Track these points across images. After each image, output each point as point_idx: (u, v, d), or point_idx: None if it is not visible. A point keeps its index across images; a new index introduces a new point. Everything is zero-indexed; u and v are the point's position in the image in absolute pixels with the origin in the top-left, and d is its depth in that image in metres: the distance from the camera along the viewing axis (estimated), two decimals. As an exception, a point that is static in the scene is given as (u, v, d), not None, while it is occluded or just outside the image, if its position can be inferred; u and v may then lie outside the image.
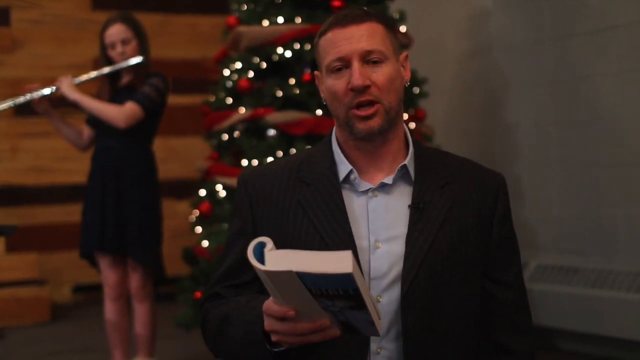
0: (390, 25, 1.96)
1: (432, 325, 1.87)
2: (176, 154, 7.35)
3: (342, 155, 1.96)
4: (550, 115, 5.04)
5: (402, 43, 4.47)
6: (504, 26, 5.34)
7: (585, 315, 4.60)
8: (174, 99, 7.24)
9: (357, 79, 1.85)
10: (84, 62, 6.72)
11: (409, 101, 4.72)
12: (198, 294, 4.41)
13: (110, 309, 4.36)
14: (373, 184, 1.93)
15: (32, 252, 6.56)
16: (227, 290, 1.97)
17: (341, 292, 1.57)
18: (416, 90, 4.79)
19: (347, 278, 1.53)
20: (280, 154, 4.34)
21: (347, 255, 1.53)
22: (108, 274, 4.32)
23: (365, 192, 1.93)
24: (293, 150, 4.31)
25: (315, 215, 1.92)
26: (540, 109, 5.11)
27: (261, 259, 1.60)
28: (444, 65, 5.76)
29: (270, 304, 1.68)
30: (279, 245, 1.86)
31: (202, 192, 4.69)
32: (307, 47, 4.37)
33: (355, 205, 1.93)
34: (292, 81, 4.40)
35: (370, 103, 1.88)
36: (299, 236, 1.92)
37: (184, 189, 6.78)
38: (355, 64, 1.86)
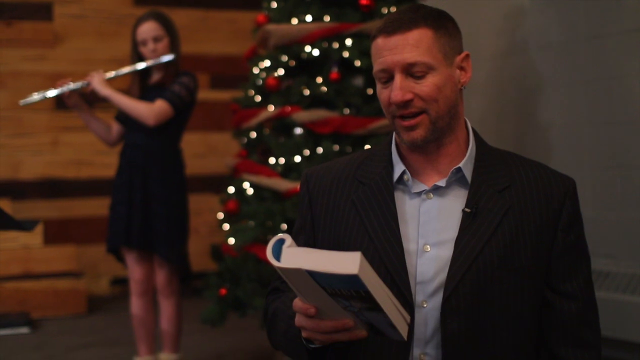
0: (445, 26, 1.88)
1: (476, 333, 1.83)
2: (215, 150, 7.39)
3: (397, 156, 1.94)
4: (584, 116, 4.96)
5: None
6: (539, 25, 5.26)
7: (616, 321, 4.52)
8: (213, 95, 7.34)
9: (397, 95, 1.82)
10: (124, 57, 6.72)
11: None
12: (223, 291, 4.44)
13: (136, 304, 4.41)
14: (427, 186, 1.90)
15: (71, 245, 6.63)
16: (285, 284, 1.97)
17: (353, 293, 1.58)
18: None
19: (354, 279, 1.53)
20: (307, 152, 4.33)
21: (355, 256, 1.52)
22: (134, 270, 4.36)
23: (419, 194, 1.90)
24: (320, 150, 4.31)
25: (367, 215, 1.91)
26: (574, 109, 5.03)
27: (279, 255, 1.62)
28: (479, 64, 5.69)
29: (296, 301, 1.70)
30: (332, 244, 1.94)
31: (231, 190, 4.70)
32: (335, 45, 4.35)
33: (407, 207, 1.91)
34: (320, 80, 4.39)
35: (414, 114, 1.85)
36: (350, 235, 1.92)
37: (223, 184, 6.81)
38: (397, 78, 1.83)
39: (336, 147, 4.27)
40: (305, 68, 4.52)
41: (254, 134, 4.65)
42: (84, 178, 6.96)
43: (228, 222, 4.67)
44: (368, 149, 2.09)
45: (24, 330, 5.88)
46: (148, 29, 4.29)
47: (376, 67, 1.87)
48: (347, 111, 4.37)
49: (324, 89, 4.36)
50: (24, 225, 3.71)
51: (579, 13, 4.95)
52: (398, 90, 1.82)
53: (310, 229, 2.01)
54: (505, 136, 5.56)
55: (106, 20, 7.12)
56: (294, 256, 1.60)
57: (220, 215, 4.75)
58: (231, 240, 4.46)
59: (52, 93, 4.24)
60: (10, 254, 6.37)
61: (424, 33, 1.84)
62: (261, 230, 4.33)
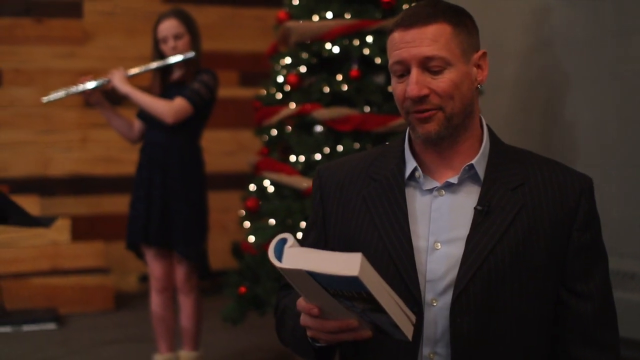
0: (463, 22, 1.85)
1: (486, 333, 1.80)
2: (245, 147, 7.38)
3: (409, 153, 1.92)
4: (611, 113, 4.88)
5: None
6: (565, 21, 5.19)
7: (642, 322, 4.46)
8: (242, 92, 7.34)
9: (413, 89, 1.80)
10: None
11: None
12: (243, 289, 4.43)
13: (156, 301, 4.42)
14: (439, 183, 1.88)
15: (99, 241, 6.67)
16: None
17: (355, 294, 1.56)
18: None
19: (354, 281, 1.51)
20: (327, 150, 4.31)
21: (356, 257, 1.51)
22: (153, 266, 4.38)
23: (430, 190, 1.88)
24: (340, 148, 4.28)
25: (377, 212, 1.89)
26: (601, 106, 4.95)
27: (281, 255, 1.61)
28: (506, 60, 5.64)
29: (300, 300, 1.70)
30: (342, 241, 1.93)
31: (252, 187, 4.69)
32: (356, 42, 4.31)
33: (418, 203, 1.88)
34: (340, 77, 4.36)
35: (428, 110, 1.82)
36: (360, 232, 1.90)
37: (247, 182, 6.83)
38: (414, 72, 1.80)
39: (357, 145, 4.24)
40: (326, 65, 4.50)
41: (274, 132, 4.63)
42: (113, 175, 6.99)
43: (249, 220, 4.66)
44: (382, 146, 2.07)
45: (51, 326, 5.93)
46: (169, 27, 4.30)
47: (392, 60, 1.84)
48: (367, 109, 4.34)
49: (345, 86, 4.33)
50: (42, 222, 3.76)
51: (605, 9, 4.88)
52: (414, 84, 1.80)
53: (322, 225, 2.00)
54: (532, 133, 5.50)
55: (135, 18, 7.14)
56: (296, 257, 1.59)
57: (242, 213, 4.74)
58: (251, 238, 4.45)
59: (74, 90, 4.27)
60: (39, 250, 6.42)
61: (443, 28, 1.81)
62: (281, 228, 4.32)
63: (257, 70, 7.36)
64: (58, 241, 6.51)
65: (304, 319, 1.71)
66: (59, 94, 4.26)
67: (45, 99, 4.31)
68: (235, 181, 7.16)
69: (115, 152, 6.99)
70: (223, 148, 7.43)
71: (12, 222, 3.47)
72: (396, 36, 1.84)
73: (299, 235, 3.97)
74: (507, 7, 5.67)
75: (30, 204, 6.47)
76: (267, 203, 4.52)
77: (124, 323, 6.07)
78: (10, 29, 6.86)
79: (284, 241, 1.62)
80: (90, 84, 4.27)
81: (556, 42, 5.27)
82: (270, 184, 4.55)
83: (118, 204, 7.01)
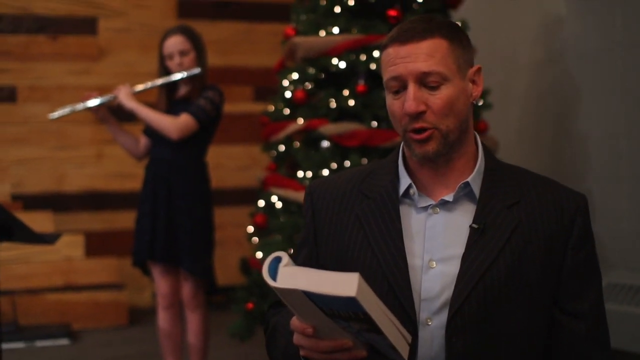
0: (458, 37, 1.83)
1: (482, 353, 1.77)
2: (258, 162, 7.37)
3: (404, 170, 1.89)
4: (623, 126, 4.84)
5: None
6: (577, 33, 5.16)
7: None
8: (257, 107, 7.34)
9: (410, 106, 1.77)
10: (167, 70, 6.84)
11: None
12: (250, 305, 4.42)
13: (162, 318, 4.41)
14: (434, 201, 1.85)
15: (112, 257, 6.68)
16: None
17: (352, 314, 1.54)
18: (480, 102, 4.67)
19: (351, 302, 1.49)
20: (334, 166, 4.29)
21: (353, 277, 1.48)
22: (160, 283, 4.37)
23: (425, 208, 1.86)
24: (347, 163, 4.26)
25: (371, 230, 1.86)
26: (612, 119, 4.91)
27: (276, 274, 1.58)
28: (517, 73, 5.61)
29: (294, 320, 1.67)
30: (334, 258, 1.91)
31: (261, 203, 4.69)
32: (362, 57, 4.31)
33: (413, 221, 1.86)
34: (346, 92, 4.35)
35: (425, 129, 1.80)
36: (353, 250, 1.87)
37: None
38: (411, 87, 1.78)
39: (364, 161, 4.23)
40: (333, 80, 4.49)
41: (282, 147, 4.63)
42: (127, 190, 6.99)
43: (257, 236, 4.66)
44: (374, 162, 2.05)
45: (64, 341, 5.94)
46: (174, 43, 4.31)
47: (387, 76, 1.82)
48: (374, 124, 4.32)
49: (352, 101, 4.32)
50: (46, 239, 3.77)
51: (617, 21, 4.85)
52: (412, 100, 1.77)
53: (313, 242, 1.97)
54: (543, 146, 5.46)
55: (150, 34, 7.16)
56: (291, 276, 1.56)
57: (250, 229, 4.73)
58: (259, 254, 4.45)
59: (80, 107, 4.29)
60: (52, 266, 6.44)
61: (439, 43, 1.79)
62: (288, 244, 4.31)
63: (272, 85, 7.36)
64: (72, 257, 6.52)
65: (297, 338, 1.69)
66: (65, 110, 4.28)
67: (51, 116, 4.34)
68: (249, 196, 7.14)
69: (129, 168, 6.99)
70: (237, 163, 7.43)
71: (16, 239, 3.50)
72: (391, 52, 1.81)
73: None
74: (519, 20, 5.64)
75: (44, 219, 6.51)
76: (275, 219, 4.51)
77: (137, 339, 6.07)
78: (26, 46, 6.92)
79: (278, 260, 1.60)
80: (96, 101, 4.28)
81: (567, 55, 5.24)
82: (278, 200, 4.54)
83: (132, 220, 6.97)
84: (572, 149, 5.22)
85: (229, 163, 7.40)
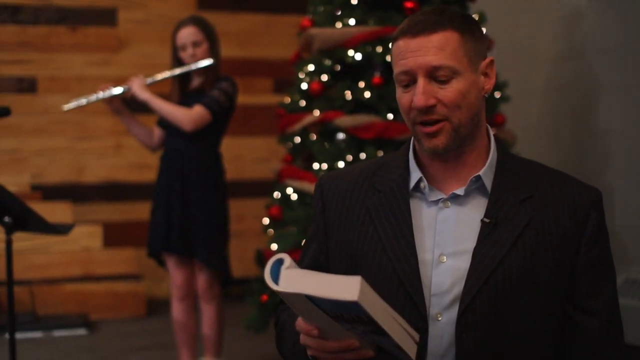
0: (470, 29, 1.80)
1: (493, 349, 1.75)
2: (278, 154, 7.37)
3: (415, 164, 1.87)
4: (643, 122, 4.79)
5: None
6: (598, 28, 5.10)
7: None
8: (277, 99, 7.31)
9: (420, 100, 1.74)
10: (186, 61, 6.84)
11: (489, 106, 4.56)
12: (265, 297, 4.41)
13: (177, 309, 4.41)
14: (445, 194, 1.83)
15: (131, 247, 6.70)
16: None
17: (355, 317, 1.52)
18: (497, 94, 4.63)
19: (354, 305, 1.47)
20: (349, 158, 4.27)
21: (355, 281, 1.47)
22: (175, 274, 4.37)
23: (436, 202, 1.83)
24: (363, 155, 4.24)
25: (381, 224, 1.84)
26: (633, 114, 4.86)
27: (278, 277, 1.57)
28: (537, 67, 5.56)
29: (299, 321, 1.66)
30: (344, 252, 1.89)
31: (277, 195, 4.67)
32: (379, 49, 4.27)
33: (424, 215, 1.84)
34: (362, 84, 4.32)
35: (435, 122, 1.77)
36: (363, 244, 1.85)
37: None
38: (420, 81, 1.75)
39: (379, 153, 4.20)
40: (349, 72, 4.46)
41: (298, 139, 4.61)
42: (146, 181, 6.98)
43: (273, 228, 4.64)
44: (385, 155, 2.03)
45: (82, 331, 5.97)
46: (187, 34, 4.30)
47: (397, 70, 1.79)
48: (390, 116, 4.29)
49: (367, 93, 4.29)
50: (59, 229, 3.77)
51: (637, 15, 4.79)
52: (421, 95, 1.74)
53: (323, 236, 1.95)
54: (563, 141, 5.41)
55: (170, 25, 7.04)
56: (293, 279, 1.54)
57: (266, 221, 4.72)
58: (274, 246, 4.43)
59: (94, 98, 4.29)
60: (71, 256, 6.47)
61: (450, 36, 1.76)
62: (303, 236, 4.29)
63: (292, 77, 7.35)
64: (90, 247, 6.55)
65: (303, 339, 1.68)
66: (80, 101, 4.29)
67: (66, 107, 4.34)
68: (268, 188, 7.14)
69: (148, 158, 6.97)
70: (256, 155, 7.43)
71: (31, 229, 3.52)
72: (401, 44, 1.78)
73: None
74: (539, 14, 5.59)
75: (63, 210, 6.54)
76: (290, 211, 4.49)
77: (155, 330, 6.08)
78: (46, 37, 6.94)
79: (280, 262, 1.58)
80: (110, 92, 4.28)
81: (588, 49, 5.19)
82: (294, 192, 4.53)
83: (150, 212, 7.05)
84: (592, 144, 5.16)
85: (248, 155, 7.40)
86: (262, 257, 4.67)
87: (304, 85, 4.59)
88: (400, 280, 1.78)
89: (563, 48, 5.40)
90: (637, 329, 4.47)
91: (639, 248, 4.84)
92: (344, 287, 1.47)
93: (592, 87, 5.14)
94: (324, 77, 4.50)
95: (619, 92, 4.96)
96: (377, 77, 4.27)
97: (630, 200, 4.89)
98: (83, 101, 4.28)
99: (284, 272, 1.56)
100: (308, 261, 1.96)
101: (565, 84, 5.39)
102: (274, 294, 4.31)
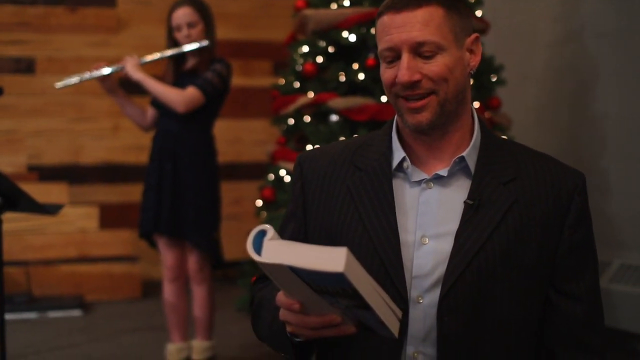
0: (455, 5, 1.76)
1: (474, 333, 1.72)
2: (277, 136, 7.35)
3: (398, 143, 1.83)
4: (640, 107, 4.75)
5: (477, 27, 4.28)
6: (596, 12, 5.06)
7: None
8: (276, 82, 7.29)
9: (404, 75, 1.71)
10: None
11: (485, 89, 4.53)
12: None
13: (168, 290, 4.40)
14: (428, 175, 1.80)
15: (127, 229, 6.68)
16: None
17: (339, 290, 1.48)
18: (493, 77, 4.60)
19: (339, 277, 1.43)
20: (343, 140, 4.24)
21: (341, 252, 1.42)
22: (165, 255, 4.36)
23: (419, 182, 1.80)
24: (356, 137, 4.21)
25: (362, 203, 1.81)
26: (630, 99, 4.82)
27: (260, 248, 1.52)
28: (535, 51, 5.52)
29: (280, 295, 1.61)
30: (323, 232, 1.85)
31: (271, 177, 4.65)
32: (373, 31, 4.25)
33: (406, 196, 1.80)
34: (356, 66, 4.29)
35: (422, 96, 1.74)
36: (343, 224, 1.82)
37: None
38: (405, 57, 1.72)
39: (374, 136, 4.17)
40: (343, 54, 4.43)
41: (292, 121, 4.58)
42: (143, 163, 6.91)
43: (266, 210, 4.63)
44: (367, 134, 1.98)
45: (77, 312, 5.96)
46: (182, 15, 4.27)
47: (382, 46, 1.76)
48: (384, 99, 4.26)
49: (361, 75, 4.27)
50: (48, 209, 3.76)
51: (636, 0, 4.74)
52: (405, 70, 1.71)
53: (302, 215, 1.91)
54: (560, 125, 5.38)
55: (169, 7, 7.12)
56: (276, 250, 1.50)
57: (259, 203, 4.70)
58: (267, 228, 4.40)
59: (87, 76, 4.27)
60: (67, 237, 6.46)
61: (435, 11, 1.73)
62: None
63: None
64: (86, 229, 6.54)
65: (283, 314, 1.63)
66: (73, 79, 4.26)
67: (58, 85, 4.32)
68: (266, 170, 7.14)
69: (145, 140, 6.90)
70: (255, 137, 7.40)
71: (20, 209, 3.51)
72: (386, 20, 1.75)
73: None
74: (537, -3, 5.55)
75: (59, 191, 6.53)
76: (283, 193, 4.47)
77: (150, 311, 6.07)
78: (44, 17, 6.91)
79: (263, 233, 1.53)
80: (104, 71, 4.26)
81: (586, 33, 5.14)
82: (287, 174, 4.51)
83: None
84: (589, 128, 5.13)
85: (247, 137, 7.37)
86: (255, 239, 4.65)
87: (298, 67, 4.56)
88: (382, 260, 1.75)
89: (561, 32, 5.36)
90: (629, 315, 4.46)
91: (632, 233, 4.81)
92: (330, 259, 1.43)
93: (590, 71, 5.10)
94: (318, 59, 4.47)
95: (616, 76, 4.92)
96: (371, 59, 4.24)
97: (625, 185, 4.86)
98: (76, 79, 4.25)
99: (267, 243, 1.51)
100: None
101: (562, 68, 5.35)
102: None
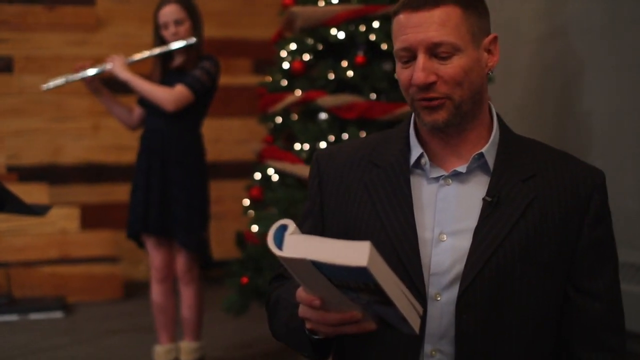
0: (474, 4, 1.74)
1: (492, 330, 1.72)
2: (258, 135, 7.30)
3: (415, 139, 1.83)
4: (627, 102, 4.75)
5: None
6: (581, 8, 5.06)
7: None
8: (256, 80, 7.24)
9: (419, 77, 1.69)
10: (166, 42, 6.75)
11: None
12: (245, 279, 4.36)
13: (156, 291, 4.36)
14: (446, 171, 1.79)
15: (108, 230, 6.62)
16: None
17: (362, 285, 1.46)
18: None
19: (362, 272, 1.41)
20: (332, 138, 4.22)
21: (365, 246, 1.40)
22: (154, 255, 4.32)
23: (437, 179, 1.79)
24: (345, 136, 4.18)
25: (380, 200, 1.80)
26: (616, 95, 4.82)
27: (281, 243, 1.50)
28: (520, 47, 5.52)
29: (300, 291, 1.59)
30: (341, 229, 1.83)
31: (258, 176, 4.61)
32: (362, 28, 4.22)
33: (424, 192, 1.79)
34: (345, 64, 4.26)
35: (436, 99, 1.72)
36: (361, 220, 1.81)
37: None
38: (420, 58, 1.70)
39: (362, 134, 4.15)
40: (331, 51, 4.40)
41: (279, 119, 4.54)
42: (125, 163, 6.91)
43: (253, 209, 4.58)
44: (385, 131, 1.97)
45: (58, 314, 5.90)
46: (169, 12, 4.24)
47: (397, 46, 1.74)
48: (373, 96, 4.23)
49: (350, 73, 4.23)
50: (36, 210, 3.70)
51: (623, -5, 4.75)
52: (420, 71, 1.69)
53: (319, 213, 1.90)
54: (545, 121, 5.38)
55: (149, 5, 6.93)
56: (298, 245, 1.48)
57: (246, 202, 4.66)
58: (254, 228, 4.37)
59: (73, 77, 4.22)
60: (48, 238, 6.39)
61: (452, 11, 1.70)
62: (284, 217, 4.21)
63: (271, 57, 7.27)
64: (67, 229, 6.47)
65: (303, 311, 1.60)
66: (59, 81, 4.22)
67: (44, 87, 4.27)
68: (248, 169, 7.09)
69: (126, 140, 6.91)
70: (236, 136, 7.36)
71: (7, 210, 3.44)
72: (402, 19, 1.73)
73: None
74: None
75: (39, 192, 6.46)
76: (271, 192, 4.43)
77: (132, 312, 6.02)
78: (22, 15, 6.83)
79: (284, 228, 1.51)
80: (90, 71, 4.21)
81: (571, 29, 5.14)
82: (274, 173, 4.47)
83: (128, 193, 6.97)
84: (575, 125, 5.13)
85: (227, 136, 7.33)
86: (242, 239, 4.61)
87: (286, 65, 4.52)
88: (399, 258, 1.74)
89: (546, 28, 5.36)
90: (633, 316, 4.46)
91: (620, 230, 4.79)
92: (353, 253, 1.41)
93: (576, 68, 5.11)
94: (306, 57, 4.43)
95: (602, 72, 4.92)
96: (360, 57, 4.22)
97: (612, 181, 4.83)
98: (62, 80, 4.20)
99: (289, 238, 1.49)
100: None
101: (548, 65, 5.35)
102: (253, 276, 4.28)
